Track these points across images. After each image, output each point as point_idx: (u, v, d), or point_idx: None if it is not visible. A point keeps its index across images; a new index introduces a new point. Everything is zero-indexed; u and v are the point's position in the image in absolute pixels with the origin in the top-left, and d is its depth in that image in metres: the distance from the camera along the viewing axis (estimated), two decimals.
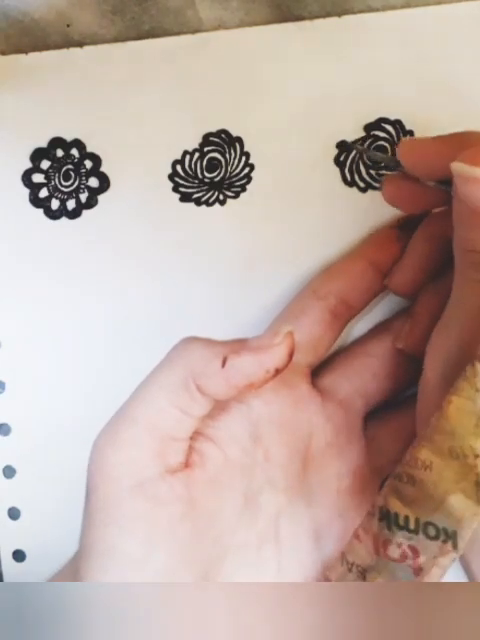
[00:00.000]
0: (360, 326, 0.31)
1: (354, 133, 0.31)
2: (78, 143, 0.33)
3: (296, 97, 0.31)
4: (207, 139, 0.32)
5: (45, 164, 0.33)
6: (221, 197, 0.32)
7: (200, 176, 0.32)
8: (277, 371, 0.24)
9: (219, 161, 0.32)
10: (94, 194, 0.33)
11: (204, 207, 0.32)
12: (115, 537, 0.23)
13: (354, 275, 0.29)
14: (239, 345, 0.24)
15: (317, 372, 0.30)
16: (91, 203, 0.33)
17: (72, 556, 0.26)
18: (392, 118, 0.31)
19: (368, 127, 0.31)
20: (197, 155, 0.32)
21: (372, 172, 0.31)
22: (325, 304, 0.29)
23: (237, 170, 0.32)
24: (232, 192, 0.32)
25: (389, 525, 0.22)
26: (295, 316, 0.29)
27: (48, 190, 0.33)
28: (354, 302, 0.29)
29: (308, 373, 0.29)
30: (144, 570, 0.23)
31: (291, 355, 0.24)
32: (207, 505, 0.25)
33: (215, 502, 0.25)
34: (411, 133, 0.30)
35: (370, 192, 0.31)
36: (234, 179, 0.32)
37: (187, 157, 0.32)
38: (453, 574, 0.27)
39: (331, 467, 0.28)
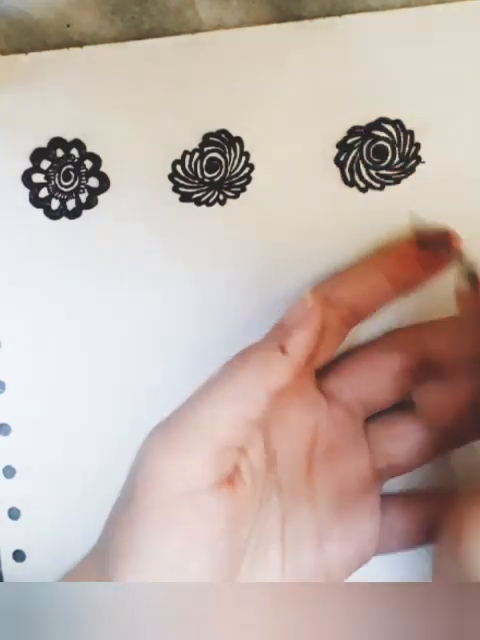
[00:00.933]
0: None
1: (354, 133, 0.31)
2: (78, 143, 0.33)
3: (296, 97, 0.31)
4: (207, 139, 0.32)
5: (45, 164, 0.33)
6: (221, 197, 0.32)
7: (200, 176, 0.32)
8: (323, 328, 0.25)
9: (219, 161, 0.32)
10: (94, 194, 0.33)
11: (204, 207, 0.32)
12: (155, 541, 0.23)
13: (369, 286, 0.29)
14: (283, 330, 0.25)
15: (322, 373, 0.30)
16: (91, 203, 0.33)
17: (87, 554, 0.26)
18: (392, 118, 0.31)
19: (368, 127, 0.31)
20: (197, 155, 0.32)
21: (372, 172, 0.31)
22: (337, 312, 0.28)
23: (237, 170, 0.32)
24: (232, 192, 0.32)
25: None
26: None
27: (48, 190, 0.33)
28: (365, 312, 0.29)
29: (313, 375, 0.29)
30: (177, 577, 0.23)
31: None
32: (244, 519, 0.25)
33: (248, 514, 0.25)
34: (411, 133, 0.30)
35: (370, 192, 0.31)
36: (234, 179, 0.32)
37: (187, 157, 0.32)
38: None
39: (334, 469, 0.28)
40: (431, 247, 0.28)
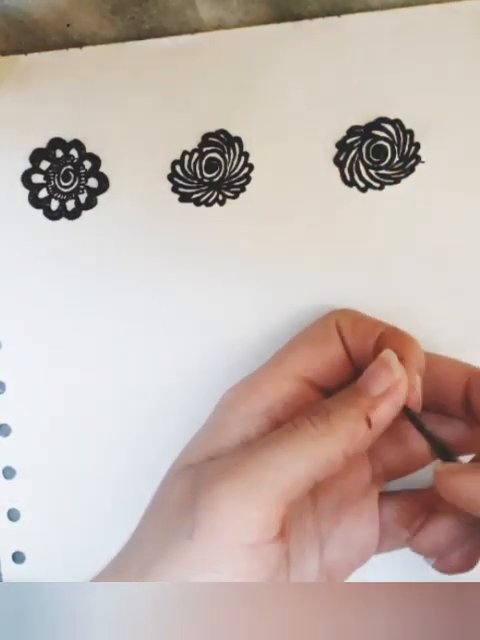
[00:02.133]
0: None
1: (353, 133, 0.31)
2: (77, 144, 0.33)
3: (296, 97, 0.31)
4: (206, 139, 0.32)
5: (44, 165, 0.33)
6: (220, 197, 0.32)
7: (199, 176, 0.32)
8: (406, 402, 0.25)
9: (218, 161, 0.32)
10: (93, 194, 0.33)
11: (203, 207, 0.32)
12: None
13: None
14: (368, 397, 0.25)
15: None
16: (91, 203, 0.33)
17: (115, 558, 0.26)
18: (392, 118, 0.31)
19: (368, 127, 0.31)
20: (196, 155, 0.32)
21: (372, 172, 0.31)
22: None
23: (236, 170, 0.32)
24: (231, 192, 0.32)
25: None
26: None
27: (47, 191, 0.33)
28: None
29: (320, 388, 0.29)
30: None
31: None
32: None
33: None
34: (411, 133, 0.30)
35: (370, 192, 0.31)
36: (233, 179, 0.32)
37: (186, 157, 0.32)
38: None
39: (335, 478, 0.28)
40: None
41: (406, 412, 0.26)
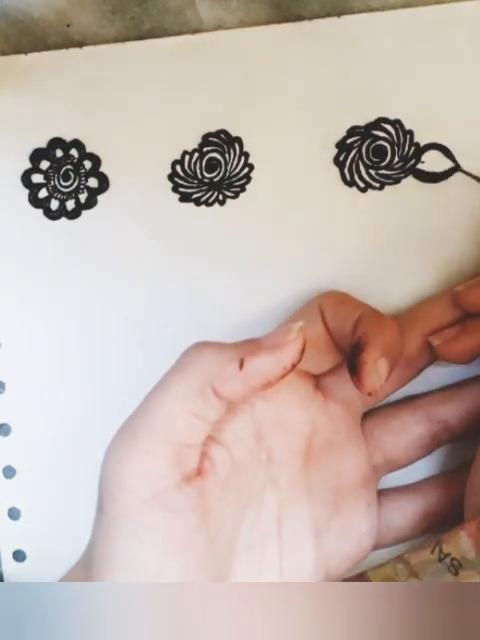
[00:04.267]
0: None
1: (353, 133, 0.31)
2: (77, 143, 0.33)
3: (296, 97, 0.31)
4: (206, 139, 0.32)
5: (44, 164, 0.33)
6: (220, 197, 0.32)
7: (200, 176, 0.32)
8: (293, 366, 0.24)
9: (218, 161, 0.32)
10: (93, 194, 0.33)
11: (203, 207, 0.32)
12: (134, 549, 0.23)
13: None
14: (254, 345, 0.24)
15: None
16: (90, 203, 0.33)
17: (78, 561, 0.26)
18: (392, 118, 0.31)
19: (368, 127, 0.31)
20: (196, 155, 0.32)
21: (372, 172, 0.31)
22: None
23: (236, 170, 0.32)
24: (231, 192, 0.32)
25: None
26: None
27: (47, 190, 0.33)
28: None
29: (311, 374, 0.29)
30: (161, 580, 0.23)
31: (303, 350, 0.24)
32: (220, 511, 0.25)
33: (226, 507, 0.25)
34: (411, 133, 0.30)
35: (370, 192, 0.31)
36: (233, 179, 0.32)
37: (186, 157, 0.32)
38: None
39: (331, 465, 0.28)
40: None
41: None
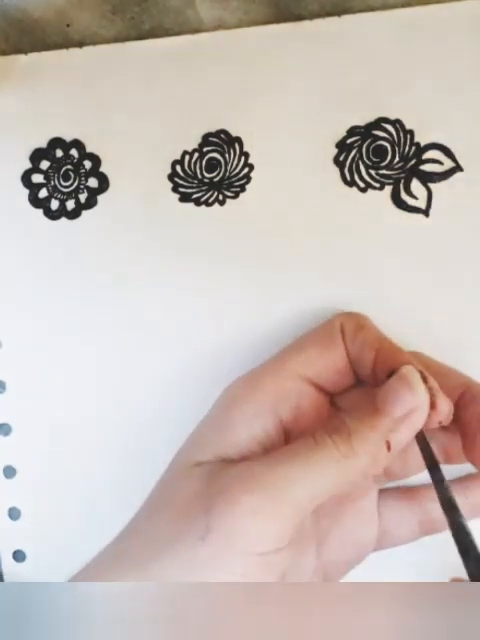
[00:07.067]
0: None
1: (353, 133, 0.31)
2: (77, 143, 0.33)
3: (296, 97, 0.31)
4: (206, 139, 0.32)
5: (45, 164, 0.33)
6: (220, 197, 0.32)
7: (200, 176, 0.32)
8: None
9: (218, 161, 0.32)
10: (94, 194, 0.33)
11: (203, 207, 0.32)
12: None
13: None
14: (388, 417, 0.25)
15: None
16: (91, 203, 0.33)
17: (112, 544, 0.26)
18: (392, 118, 0.31)
19: (368, 127, 0.31)
20: (196, 155, 0.32)
21: (372, 172, 0.31)
22: None
23: (236, 170, 0.32)
24: (231, 192, 0.32)
25: None
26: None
27: (48, 190, 0.33)
28: None
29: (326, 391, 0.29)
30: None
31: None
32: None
33: None
34: (411, 133, 0.30)
35: (370, 192, 0.31)
36: (233, 179, 0.32)
37: (186, 157, 0.32)
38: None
39: None
40: None
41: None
